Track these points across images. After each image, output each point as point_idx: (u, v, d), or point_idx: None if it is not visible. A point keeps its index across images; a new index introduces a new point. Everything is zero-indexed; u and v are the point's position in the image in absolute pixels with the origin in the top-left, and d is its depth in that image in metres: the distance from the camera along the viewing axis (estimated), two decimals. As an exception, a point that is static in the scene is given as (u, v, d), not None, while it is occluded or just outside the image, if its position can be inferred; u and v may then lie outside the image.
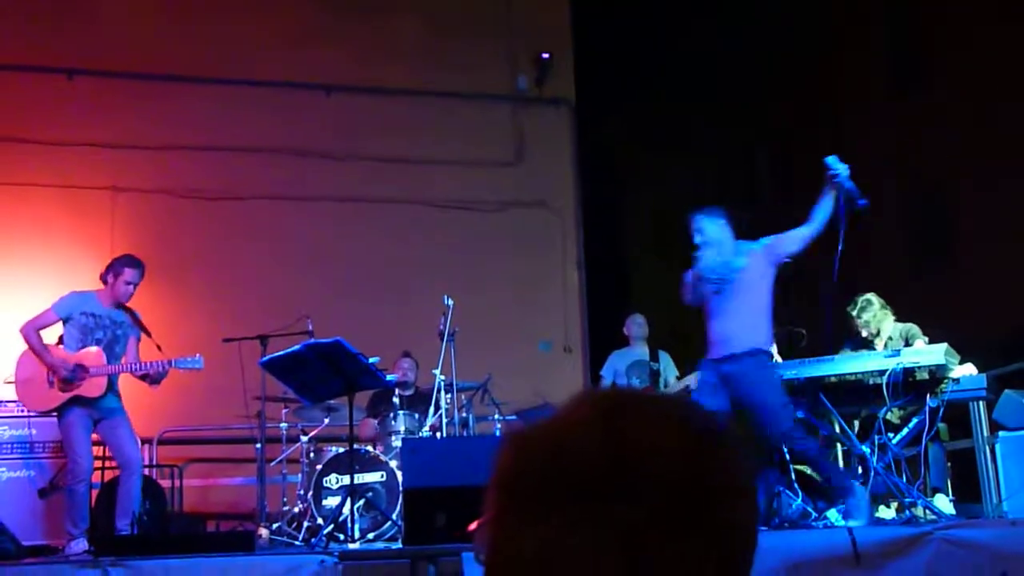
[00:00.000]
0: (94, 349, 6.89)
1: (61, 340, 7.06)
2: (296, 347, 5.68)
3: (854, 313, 7.32)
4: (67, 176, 10.11)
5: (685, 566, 1.02)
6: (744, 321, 6.16)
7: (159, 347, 7.06)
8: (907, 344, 6.97)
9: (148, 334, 7.16)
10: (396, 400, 7.83)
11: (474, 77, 11.51)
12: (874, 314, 7.25)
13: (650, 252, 11.52)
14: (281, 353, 5.80)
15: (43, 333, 7.01)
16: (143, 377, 7.02)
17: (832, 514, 6.27)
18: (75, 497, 6.80)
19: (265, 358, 6.13)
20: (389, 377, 6.04)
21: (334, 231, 10.10)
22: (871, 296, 7.33)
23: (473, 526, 1.11)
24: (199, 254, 10.26)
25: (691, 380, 8.45)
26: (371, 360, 6.00)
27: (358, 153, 10.85)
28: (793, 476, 6.71)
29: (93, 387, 6.83)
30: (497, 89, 11.72)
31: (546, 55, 11.67)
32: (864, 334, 7.31)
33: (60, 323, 7.03)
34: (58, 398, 6.83)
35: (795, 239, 6.37)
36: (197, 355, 6.96)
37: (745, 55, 10.37)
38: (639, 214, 11.68)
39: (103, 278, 7.10)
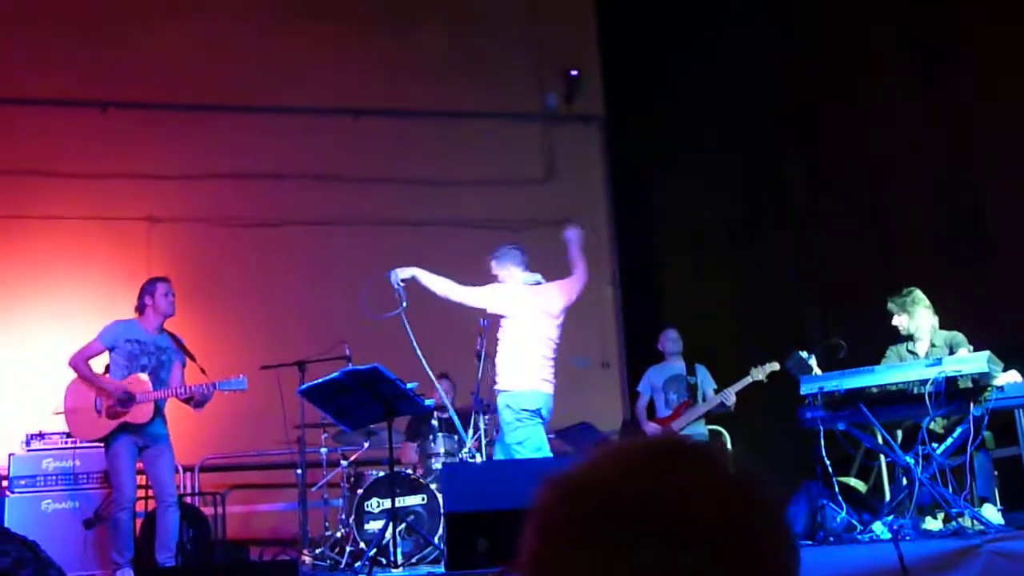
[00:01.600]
0: (141, 376, 6.96)
1: (107, 370, 7.12)
2: (334, 374, 5.69)
3: (896, 304, 7.19)
4: (102, 208, 10.20)
5: None
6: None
7: (203, 370, 7.16)
8: (951, 352, 6.86)
9: (192, 358, 7.25)
10: (435, 423, 7.82)
11: (502, 96, 11.51)
12: (915, 307, 7.12)
13: (684, 265, 11.45)
14: (319, 381, 5.80)
15: (90, 364, 7.08)
16: (187, 400, 7.09)
17: (878, 527, 6.19)
18: (119, 526, 6.85)
19: (303, 386, 6.14)
20: (427, 402, 6.03)
21: (367, 254, 10.06)
22: (915, 290, 7.21)
23: (509, 566, 1.11)
24: (235, 281, 10.32)
25: (730, 393, 8.39)
26: (409, 385, 6.00)
27: (388, 176, 10.87)
28: (837, 489, 6.63)
29: (141, 413, 6.90)
30: (526, 107, 11.71)
31: (574, 72, 11.65)
32: (903, 327, 7.16)
33: (106, 352, 7.09)
34: (107, 426, 6.90)
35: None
36: (240, 376, 7.05)
37: (774, 61, 10.30)
38: (673, 228, 11.62)
39: (139, 306, 7.18)
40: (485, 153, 11.25)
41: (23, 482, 7.87)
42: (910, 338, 7.18)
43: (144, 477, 7.22)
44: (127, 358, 7.03)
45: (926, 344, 7.14)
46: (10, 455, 7.96)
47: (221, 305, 10.04)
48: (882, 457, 7.14)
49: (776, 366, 8.05)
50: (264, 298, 10.30)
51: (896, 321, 7.17)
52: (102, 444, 7.04)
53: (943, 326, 7.19)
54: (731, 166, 10.85)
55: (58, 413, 7.41)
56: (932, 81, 9.01)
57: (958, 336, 7.06)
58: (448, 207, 10.98)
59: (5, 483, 7.96)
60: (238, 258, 10.45)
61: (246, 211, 10.59)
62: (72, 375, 7.07)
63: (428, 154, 11.14)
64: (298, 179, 10.65)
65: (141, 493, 7.33)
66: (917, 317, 7.12)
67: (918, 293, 7.18)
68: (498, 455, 6.33)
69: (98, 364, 7.19)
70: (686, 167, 11.33)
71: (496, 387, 6.51)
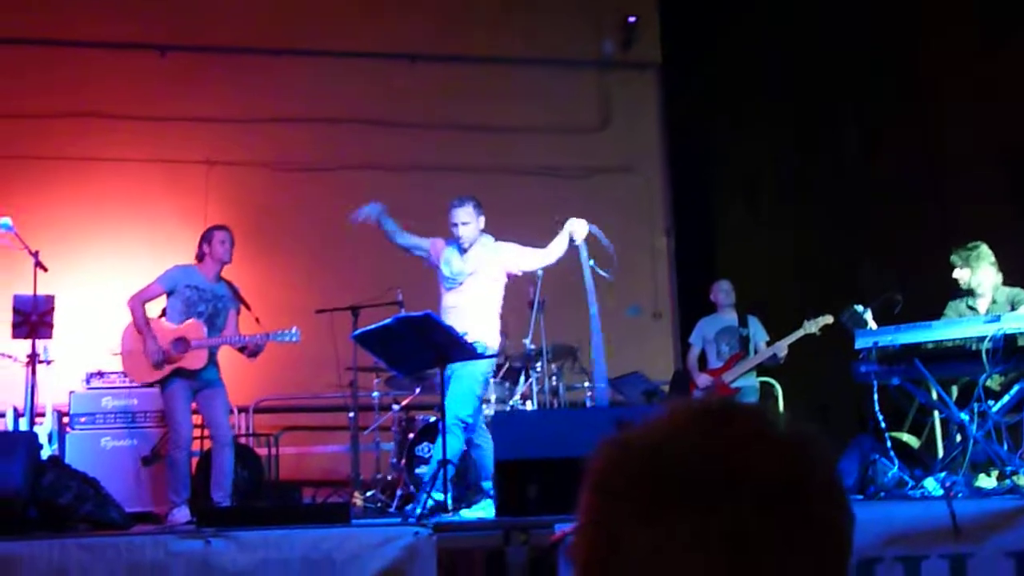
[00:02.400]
0: (196, 322, 7.05)
1: (164, 313, 7.21)
2: (387, 321, 5.69)
3: (960, 256, 7.06)
4: (161, 150, 10.29)
5: (787, 566, 1.03)
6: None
7: (257, 320, 7.27)
8: (1012, 310, 6.73)
9: (248, 307, 7.37)
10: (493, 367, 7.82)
11: (559, 42, 11.40)
12: (980, 262, 6.99)
13: (738, 216, 11.34)
14: (372, 327, 5.81)
15: (148, 306, 7.17)
16: (241, 349, 7.22)
17: (930, 483, 6.13)
18: (176, 466, 6.97)
19: (357, 332, 6.16)
20: (480, 348, 6.04)
21: (423, 199, 10.06)
22: (982, 244, 7.08)
23: (560, 533, 1.12)
24: (291, 225, 10.37)
25: (782, 345, 8.33)
26: (462, 332, 6.01)
27: (443, 122, 10.84)
28: (889, 444, 6.56)
29: (195, 359, 7.00)
30: (583, 54, 11.59)
31: (632, 18, 11.50)
32: (964, 281, 7.04)
33: (164, 296, 7.20)
34: (161, 371, 6.97)
35: (528, 259, 6.89)
36: (293, 328, 7.14)
37: (834, 9, 10.09)
38: (727, 178, 11.49)
39: (199, 253, 7.27)
40: (540, 100, 11.15)
41: (83, 419, 8.03)
42: (971, 293, 7.06)
43: (200, 417, 7.33)
44: (185, 303, 7.12)
45: (987, 300, 7.01)
46: (71, 393, 8.11)
47: (277, 248, 10.11)
48: (936, 413, 7.06)
49: (830, 319, 7.98)
50: (320, 242, 10.31)
51: (958, 274, 7.05)
52: (158, 386, 7.15)
53: (1007, 282, 7.06)
54: (788, 115, 10.69)
55: (115, 354, 7.53)
56: (999, 34, 8.78)
57: (1022, 293, 6.93)
58: (503, 154, 10.93)
59: (67, 420, 8.11)
60: (294, 201, 10.49)
61: (302, 155, 10.63)
62: (129, 317, 7.16)
63: (484, 100, 11.08)
64: (354, 123, 10.64)
65: (197, 433, 7.46)
66: (980, 272, 6.99)
67: (984, 248, 7.04)
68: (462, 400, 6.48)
69: (155, 307, 7.28)
70: (742, 116, 11.18)
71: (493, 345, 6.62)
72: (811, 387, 9.53)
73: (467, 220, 6.71)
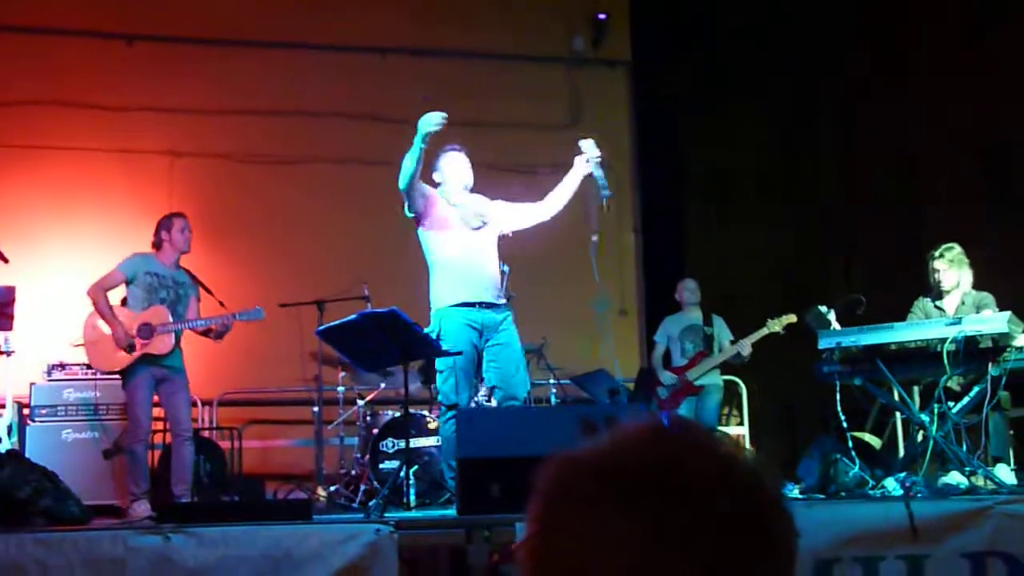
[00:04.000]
0: (160, 307, 7.04)
1: (124, 302, 7.17)
2: (351, 317, 5.68)
3: (935, 255, 7.12)
4: (125, 141, 10.18)
5: (735, 566, 1.06)
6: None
7: (221, 303, 7.27)
8: (977, 313, 6.80)
9: (209, 291, 7.38)
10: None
11: (529, 38, 11.39)
12: (952, 260, 7.06)
13: (707, 215, 11.39)
14: (336, 323, 5.80)
15: (109, 295, 7.13)
16: (206, 332, 7.20)
17: (890, 483, 6.18)
18: (135, 458, 6.96)
19: (321, 327, 6.14)
20: (445, 346, 6.02)
21: (390, 195, 10.04)
22: (955, 245, 7.14)
23: (513, 547, 1.14)
24: (256, 218, 10.30)
25: (746, 344, 8.37)
26: (427, 329, 6.00)
27: (413, 116, 10.71)
28: (851, 443, 6.62)
29: (161, 344, 6.99)
30: (553, 50, 11.58)
31: (602, 15, 11.51)
32: (936, 280, 7.10)
33: (124, 285, 7.16)
34: (127, 357, 6.96)
35: (525, 215, 6.38)
36: (257, 307, 7.20)
37: (808, 8, 10.14)
38: (697, 176, 11.53)
39: (156, 241, 7.26)
40: (510, 96, 11.15)
41: (44, 412, 7.98)
42: (939, 295, 7.12)
43: (160, 410, 7.30)
44: (146, 291, 7.10)
45: (956, 302, 7.08)
46: (31, 385, 8.05)
47: (241, 242, 10.05)
48: (898, 414, 7.12)
49: (793, 318, 8.06)
50: (284, 236, 10.29)
51: (943, 275, 7.07)
52: (120, 377, 7.10)
53: (975, 284, 7.13)
54: (760, 115, 10.75)
55: (77, 345, 7.49)
56: (975, 36, 8.86)
57: (988, 298, 7.00)
58: (473, 149, 10.87)
59: (27, 412, 8.04)
60: (259, 195, 10.42)
61: (269, 148, 10.55)
62: (91, 308, 7.11)
63: (453, 95, 10.98)
64: (322, 117, 10.59)
65: (158, 426, 7.42)
66: (963, 273, 7.06)
67: (955, 246, 7.11)
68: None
69: (115, 296, 7.23)
70: (713, 115, 11.22)
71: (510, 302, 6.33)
72: (776, 386, 9.60)
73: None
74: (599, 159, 6.25)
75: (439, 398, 6.29)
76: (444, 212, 6.18)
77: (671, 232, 11.41)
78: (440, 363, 6.07)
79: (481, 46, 11.23)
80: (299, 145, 10.53)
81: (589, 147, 6.26)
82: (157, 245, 7.25)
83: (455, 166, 6.29)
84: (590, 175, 6.27)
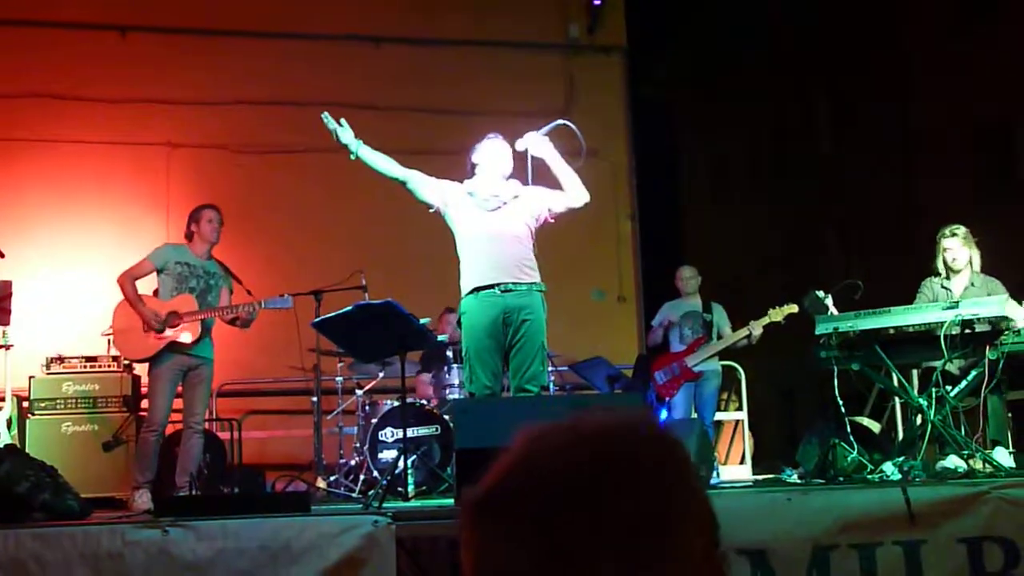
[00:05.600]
0: (187, 296, 7.08)
1: (155, 293, 7.21)
2: (347, 308, 5.67)
3: (946, 234, 7.09)
4: (123, 133, 10.17)
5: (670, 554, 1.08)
6: None
7: (249, 292, 7.30)
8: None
9: (239, 281, 7.43)
10: (450, 354, 7.82)
11: (524, 25, 11.36)
12: (965, 237, 7.03)
13: (704, 200, 11.37)
14: (333, 314, 5.78)
15: (139, 284, 7.15)
16: (232, 321, 7.22)
17: (888, 467, 6.17)
18: (145, 447, 6.99)
19: (317, 319, 6.12)
20: (440, 338, 6.01)
21: (387, 183, 10.04)
22: (962, 226, 7.11)
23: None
24: (253, 208, 10.23)
25: (756, 325, 8.31)
26: (422, 321, 5.98)
27: (408, 104, 10.76)
28: (849, 428, 6.60)
29: (188, 333, 7.01)
30: (548, 37, 11.56)
31: (597, 2, 11.47)
32: (946, 260, 7.07)
33: (155, 274, 7.19)
34: (155, 345, 6.98)
35: (555, 197, 6.14)
36: (286, 295, 7.25)
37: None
38: (694, 162, 11.51)
39: (187, 232, 7.31)
40: (505, 83, 11.10)
41: (43, 405, 7.94)
42: (947, 275, 7.08)
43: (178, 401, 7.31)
44: (176, 280, 7.13)
45: (964, 282, 7.03)
46: (30, 378, 8.02)
47: (239, 231, 9.91)
48: (896, 398, 7.11)
49: (795, 308, 8.04)
50: (282, 225, 10.33)
51: (955, 253, 7.03)
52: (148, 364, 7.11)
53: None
54: (756, 101, 10.71)
55: (106, 334, 7.51)
56: (968, 26, 8.82)
57: (996, 283, 6.95)
58: (467, 136, 10.81)
59: (27, 405, 8.03)
60: (256, 185, 10.42)
61: (265, 137, 10.55)
62: (110, 301, 7.15)
63: (448, 83, 11.02)
64: (317, 106, 10.29)
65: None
66: (973, 252, 7.04)
67: (962, 227, 7.09)
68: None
69: (147, 286, 7.26)
70: (710, 101, 11.19)
71: (538, 285, 6.07)
72: (775, 372, 9.58)
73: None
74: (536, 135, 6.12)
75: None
76: (458, 199, 6.10)
77: (669, 219, 11.42)
78: (463, 351, 5.99)
79: (475, 34, 11.20)
80: (295, 134, 10.45)
81: (525, 141, 6.15)
82: (189, 237, 7.30)
83: (483, 153, 6.19)
84: (547, 136, 6.14)
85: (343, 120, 6.07)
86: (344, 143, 6.06)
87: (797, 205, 10.23)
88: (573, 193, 6.12)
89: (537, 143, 6.11)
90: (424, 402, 7.86)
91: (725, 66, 10.80)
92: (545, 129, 6.17)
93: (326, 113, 6.02)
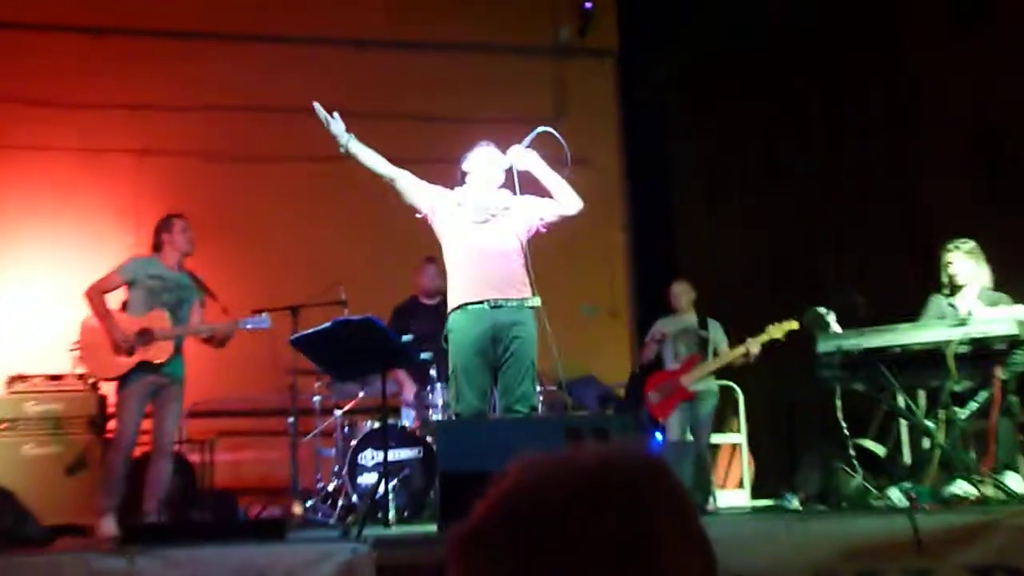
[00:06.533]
0: (160, 312, 7.02)
1: (124, 306, 7.15)
2: (325, 325, 5.63)
3: (949, 248, 7.07)
4: (91, 139, 10.08)
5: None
6: None
7: (225, 309, 7.30)
8: (990, 315, 6.74)
9: (213, 296, 7.42)
10: (433, 372, 7.76)
11: (513, 29, 11.33)
12: (969, 251, 7.01)
13: (700, 211, 11.32)
14: (310, 331, 5.74)
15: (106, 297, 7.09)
16: (208, 340, 7.21)
17: (894, 493, 6.15)
18: (111, 470, 6.93)
19: (294, 336, 6.08)
20: (423, 355, 5.97)
21: (369, 193, 9.98)
22: (971, 240, 7.09)
23: None
24: (228, 219, 10.17)
25: (755, 343, 8.27)
26: (404, 338, 5.95)
27: (392, 111, 10.70)
28: (853, 451, 6.57)
29: (160, 351, 6.95)
30: (536, 41, 11.53)
31: (588, 4, 11.45)
32: (950, 274, 7.04)
33: (125, 288, 7.14)
34: (125, 364, 6.91)
35: (545, 206, 6.20)
36: (264, 314, 7.25)
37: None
38: (688, 171, 11.46)
39: (156, 243, 7.25)
40: (493, 89, 11.06)
41: (3, 425, 7.83)
42: (953, 291, 7.05)
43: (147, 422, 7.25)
44: (148, 294, 7.07)
45: (971, 299, 6.99)
46: (-10, 397, 7.95)
47: (213, 243, 9.84)
48: (902, 419, 7.08)
49: (795, 324, 8.01)
50: (258, 237, 10.23)
51: (961, 267, 7.01)
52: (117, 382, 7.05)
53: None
54: (754, 105, 10.67)
55: (73, 350, 7.45)
56: (962, 28, 8.82)
57: (1004, 298, 6.93)
58: (453, 144, 10.80)
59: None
60: (231, 194, 10.34)
61: (240, 146, 10.46)
62: (76, 316, 7.10)
63: (433, 89, 10.98)
64: (297, 113, 10.39)
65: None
66: (980, 267, 7.01)
67: (969, 240, 7.06)
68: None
69: (115, 300, 7.21)
70: (706, 106, 11.15)
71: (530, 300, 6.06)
72: (774, 392, 9.54)
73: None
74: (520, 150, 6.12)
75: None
76: (447, 208, 6.11)
77: (662, 230, 11.34)
78: (450, 368, 5.97)
79: (462, 37, 11.18)
80: (273, 142, 10.43)
81: (508, 157, 6.16)
82: (157, 247, 7.26)
83: (474, 162, 6.22)
84: (531, 147, 6.15)
85: (335, 113, 6.16)
86: (334, 133, 6.15)
87: (797, 214, 10.19)
88: (565, 201, 6.13)
89: (521, 156, 6.13)
90: (405, 423, 7.81)
91: (722, 69, 10.77)
92: (527, 140, 6.20)
93: (316, 103, 6.09)
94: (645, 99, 11.41)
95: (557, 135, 6.19)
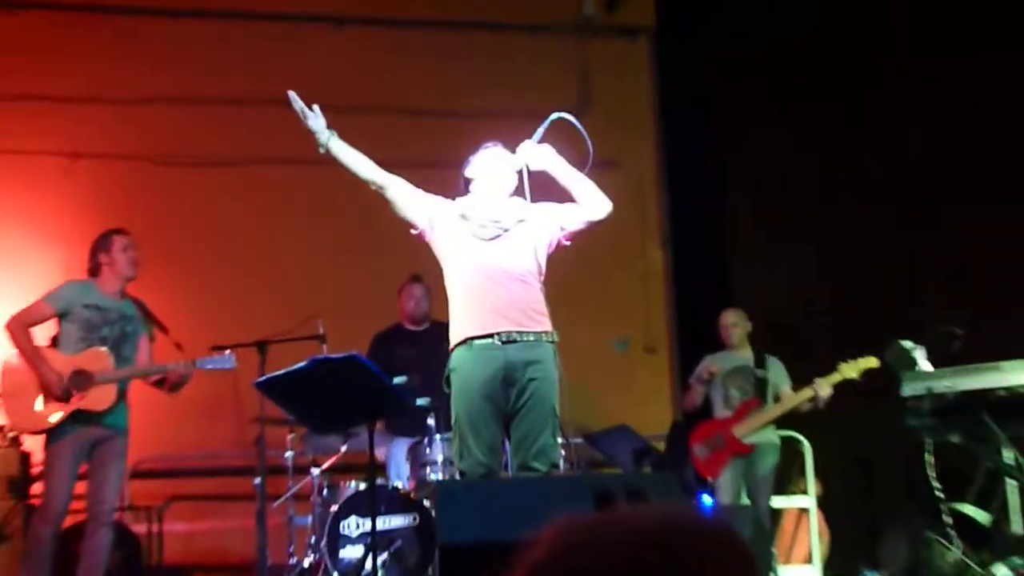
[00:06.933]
0: (101, 350, 7.02)
1: (54, 341, 7.15)
2: (301, 364, 5.59)
3: None
4: (12, 139, 10.13)
5: None
6: None
7: (178, 345, 7.29)
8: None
9: (164, 330, 7.42)
10: (431, 422, 7.74)
11: (528, 3, 11.39)
12: None
13: (756, 225, 11.27)
14: (282, 372, 5.71)
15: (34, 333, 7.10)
16: (159, 383, 7.23)
17: (1000, 570, 6.11)
18: (37, 543, 6.93)
19: (262, 378, 6.05)
20: (420, 401, 5.96)
21: (352, 204, 9.99)
22: None
23: None
24: (178, 235, 10.22)
25: (824, 384, 8.28)
26: (396, 380, 5.93)
27: (379, 103, 10.74)
28: (949, 518, 6.54)
29: (100, 398, 6.95)
30: (558, 16, 11.58)
31: (618, -30, 11.55)
32: None
33: (55, 320, 7.13)
34: (57, 412, 6.89)
35: (568, 213, 6.17)
36: (226, 352, 7.30)
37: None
38: (741, 175, 11.42)
39: (93, 267, 7.27)
40: (503, 75, 11.14)
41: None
42: None
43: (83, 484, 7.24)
44: (84, 327, 7.09)
45: None
46: None
47: (161, 265, 9.78)
48: (1009, 479, 7.03)
49: (874, 361, 8.07)
50: (218, 258, 10.29)
51: None
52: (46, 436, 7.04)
53: None
54: (824, 98, 10.62)
55: None
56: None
57: None
58: (455, 144, 10.78)
59: None
60: (182, 205, 10.38)
61: (196, 145, 10.52)
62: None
63: (430, 75, 11.01)
64: (264, 105, 10.44)
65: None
66: None
67: None
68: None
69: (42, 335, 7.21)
70: (764, 98, 11.11)
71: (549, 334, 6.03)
72: (850, 444, 9.50)
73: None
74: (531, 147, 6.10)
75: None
76: (448, 221, 6.09)
77: (710, 246, 11.31)
78: (453, 418, 5.95)
79: (463, 13, 11.25)
80: (233, 141, 10.46)
81: (519, 156, 6.14)
82: (94, 271, 7.28)
83: (479, 166, 6.22)
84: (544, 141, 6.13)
85: (314, 105, 6.11)
86: (313, 129, 6.12)
87: (876, 231, 10.13)
88: (591, 204, 6.12)
89: (533, 153, 6.11)
90: (398, 484, 7.78)
91: (788, 52, 10.73)
92: (538, 132, 6.19)
93: (292, 93, 6.06)
94: (689, 88, 11.38)
95: (575, 121, 6.17)
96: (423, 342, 8.11)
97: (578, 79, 11.47)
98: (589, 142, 6.15)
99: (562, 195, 6.17)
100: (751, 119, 11.25)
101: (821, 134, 10.76)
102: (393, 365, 7.76)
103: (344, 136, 6.26)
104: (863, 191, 10.45)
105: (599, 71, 11.59)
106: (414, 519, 7.44)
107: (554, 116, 6.20)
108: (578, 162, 6.17)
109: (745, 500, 8.52)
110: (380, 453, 8.08)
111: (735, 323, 8.93)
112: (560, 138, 6.21)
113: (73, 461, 6.97)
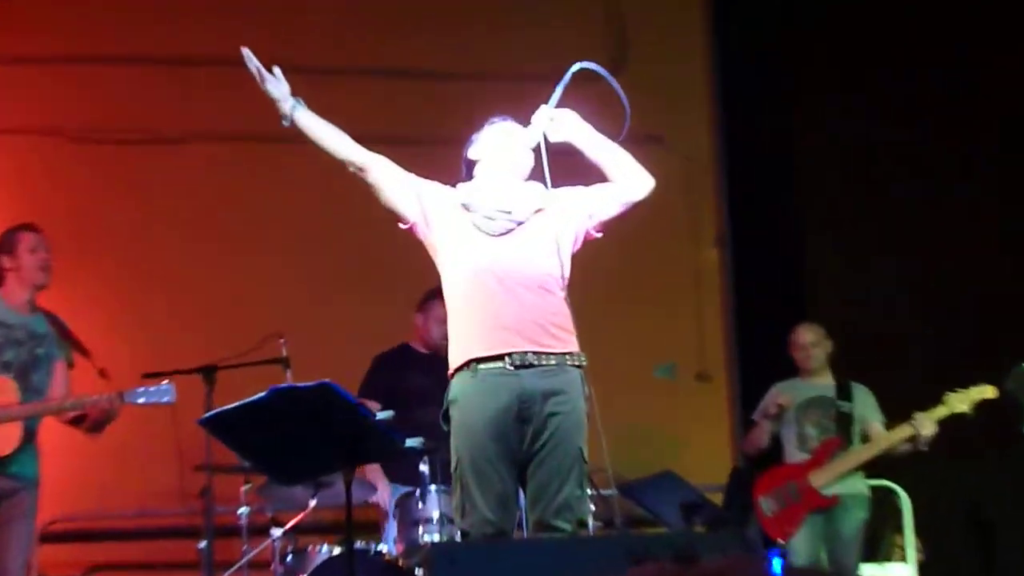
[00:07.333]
0: (3, 378, 7.02)
1: None
2: (259, 395, 5.45)
3: None
4: None
5: None
6: None
7: (103, 372, 7.29)
8: None
9: (85, 353, 7.48)
10: (424, 468, 7.68)
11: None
12: None
13: (838, 222, 11.15)
14: (234, 406, 5.56)
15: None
16: (77, 421, 7.17)
17: None
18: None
19: (209, 414, 5.91)
20: (410, 442, 5.80)
21: (320, 191, 9.92)
22: None
23: None
24: (103, 230, 10.21)
25: (924, 420, 8.25)
26: (380, 415, 5.78)
27: (364, 65, 10.68)
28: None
29: (3, 440, 6.94)
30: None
31: None
32: None
33: None
34: None
35: (602, 195, 6.09)
36: (164, 382, 7.22)
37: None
38: (819, 159, 11.30)
39: None
40: (518, 33, 11.10)
41: None
42: None
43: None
44: None
45: None
46: None
47: (81, 267, 9.84)
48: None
49: (989, 391, 8.02)
50: (154, 263, 10.22)
51: None
52: None
53: None
54: (930, 74, 10.53)
55: None
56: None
57: None
58: (457, 117, 10.70)
59: None
60: (109, 193, 10.34)
61: (125, 118, 10.43)
62: None
63: (429, 33, 10.97)
64: (209, 68, 10.44)
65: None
66: None
67: None
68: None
69: None
70: (852, 68, 11.01)
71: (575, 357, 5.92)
72: (961, 493, 9.43)
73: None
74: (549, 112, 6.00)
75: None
76: (445, 213, 5.99)
77: (778, 248, 11.18)
78: (453, 464, 5.86)
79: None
80: (170, 113, 10.39)
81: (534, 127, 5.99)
82: None
83: (484, 145, 6.11)
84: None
85: (275, 68, 5.92)
86: (273, 97, 5.93)
87: (988, 224, 10.03)
88: (627, 181, 6.03)
89: (551, 121, 6.02)
90: (384, 548, 7.69)
91: (871, 6, 10.64)
92: (556, 93, 6.10)
93: (247, 50, 5.87)
94: (752, 49, 11.26)
95: (604, 72, 6.12)
96: (440, 371, 7.99)
97: (611, 35, 11.38)
98: (625, 99, 6.06)
99: (589, 176, 6.05)
100: (832, 91, 11.14)
101: (913, 111, 10.66)
102: (408, 395, 7.85)
103: (316, 104, 6.09)
104: (970, 174, 10.37)
105: (637, 25, 11.49)
106: (402, 590, 7.47)
107: (576, 67, 6.09)
108: (611, 132, 6.05)
109: (826, 566, 8.44)
110: (383, 501, 8.13)
111: (813, 343, 8.89)
112: (584, 103, 6.07)
113: None
